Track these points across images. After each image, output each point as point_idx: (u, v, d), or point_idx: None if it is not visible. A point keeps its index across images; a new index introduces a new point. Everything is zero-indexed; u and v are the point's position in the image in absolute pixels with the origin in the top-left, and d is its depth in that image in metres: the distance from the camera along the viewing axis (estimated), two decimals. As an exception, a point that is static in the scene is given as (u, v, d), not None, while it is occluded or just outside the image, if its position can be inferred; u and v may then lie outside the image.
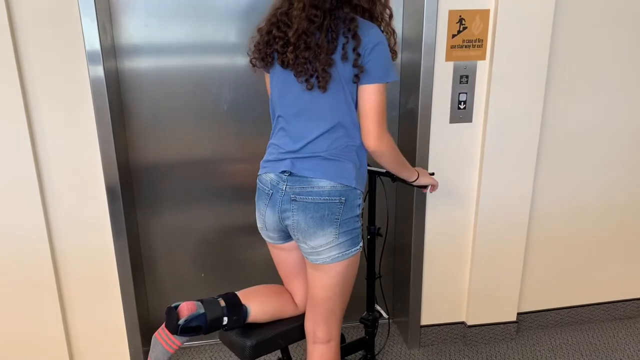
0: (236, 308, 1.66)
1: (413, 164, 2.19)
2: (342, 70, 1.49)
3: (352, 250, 1.61)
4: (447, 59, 2.08)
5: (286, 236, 1.68)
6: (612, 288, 2.66)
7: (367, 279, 2.06)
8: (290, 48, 1.48)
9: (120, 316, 2.21)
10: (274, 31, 1.53)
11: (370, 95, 1.50)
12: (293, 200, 1.56)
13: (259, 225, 1.71)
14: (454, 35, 2.06)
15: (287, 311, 1.79)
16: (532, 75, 2.13)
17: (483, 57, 2.11)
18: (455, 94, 2.13)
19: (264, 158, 1.68)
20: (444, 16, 2.03)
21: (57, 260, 2.10)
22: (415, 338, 2.49)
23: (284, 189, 1.57)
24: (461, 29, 2.05)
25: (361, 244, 1.65)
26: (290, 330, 1.75)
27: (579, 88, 2.28)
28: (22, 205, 1.98)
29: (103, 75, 1.90)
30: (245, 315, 1.67)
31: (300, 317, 1.78)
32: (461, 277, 2.42)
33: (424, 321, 2.48)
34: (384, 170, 1.82)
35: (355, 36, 1.47)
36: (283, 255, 1.76)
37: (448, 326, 2.50)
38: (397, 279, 2.61)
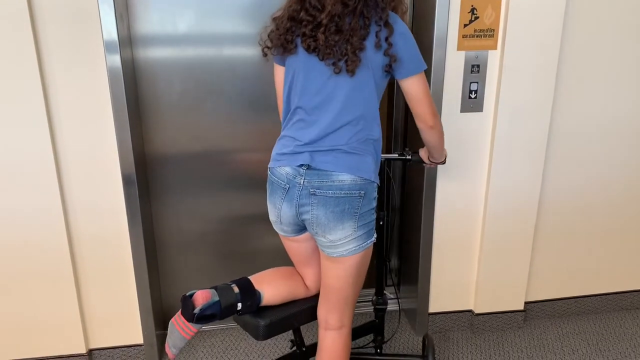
0: (250, 293, 1.68)
1: (423, 153, 2.22)
2: (373, 57, 1.52)
3: (368, 242, 1.63)
4: (459, 48, 2.10)
5: (300, 229, 1.69)
6: (620, 279, 2.68)
7: (377, 263, 2.08)
8: (322, 29, 1.48)
9: (134, 300, 2.26)
10: (302, 15, 1.52)
11: (416, 86, 1.57)
12: (312, 194, 1.56)
13: (272, 218, 1.70)
14: (465, 25, 2.07)
15: (299, 293, 1.82)
16: (543, 66, 2.14)
17: (494, 47, 2.12)
18: (467, 83, 2.15)
19: (276, 150, 1.66)
20: (455, 5, 2.04)
21: (73, 245, 2.14)
22: (423, 325, 2.52)
23: (301, 183, 1.56)
24: (473, 19, 2.07)
25: (375, 236, 1.68)
26: (303, 311, 1.79)
27: (590, 80, 2.28)
28: (40, 192, 2.02)
29: (120, 64, 1.93)
30: (258, 300, 1.70)
31: (313, 299, 1.81)
32: (469, 266, 2.45)
33: (432, 309, 2.51)
34: (396, 155, 1.91)
35: (387, 24, 1.50)
36: (295, 246, 1.78)
37: (456, 314, 2.53)
38: (406, 267, 2.64)
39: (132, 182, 2.08)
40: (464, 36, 2.08)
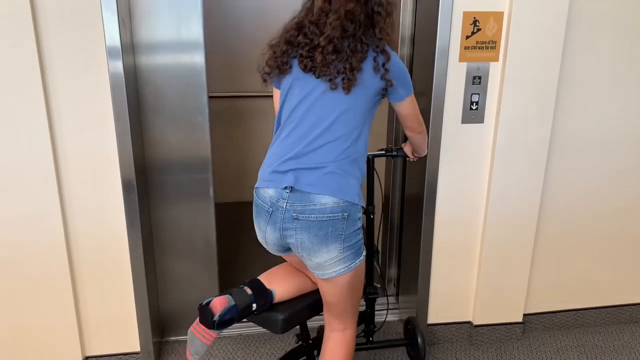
0: (262, 293, 1.73)
1: (424, 163, 2.23)
2: (370, 80, 1.60)
3: (356, 261, 1.65)
4: (461, 59, 2.10)
5: (286, 249, 1.72)
6: (620, 291, 2.67)
7: (366, 256, 2.08)
8: (319, 50, 1.56)
9: (132, 307, 2.24)
10: (299, 38, 1.60)
11: (407, 107, 1.75)
12: (295, 218, 1.57)
13: (259, 238, 1.73)
14: (467, 37, 2.08)
15: (307, 287, 1.85)
16: (545, 77, 2.15)
17: (496, 59, 2.13)
18: (468, 94, 2.15)
19: (263, 168, 1.67)
20: (458, 17, 2.05)
21: (71, 251, 2.13)
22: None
23: (284, 206, 1.58)
24: (475, 31, 2.07)
25: (364, 253, 1.69)
26: (315, 302, 1.84)
27: (591, 91, 2.29)
28: (39, 195, 2.02)
29: (122, 70, 1.93)
30: (271, 298, 1.75)
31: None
32: (469, 276, 2.44)
33: (431, 320, 2.50)
34: (383, 152, 2.11)
35: (384, 52, 1.60)
36: (289, 258, 1.85)
37: (454, 325, 2.52)
38: (405, 276, 2.64)
39: (132, 187, 2.08)
40: (466, 48, 2.09)
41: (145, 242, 2.19)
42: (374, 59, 1.59)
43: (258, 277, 1.78)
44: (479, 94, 2.16)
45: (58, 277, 2.13)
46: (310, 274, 1.79)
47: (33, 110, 1.92)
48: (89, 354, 2.28)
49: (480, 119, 2.20)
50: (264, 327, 1.79)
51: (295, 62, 1.62)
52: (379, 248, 3.00)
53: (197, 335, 1.67)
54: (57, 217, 2.05)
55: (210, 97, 2.19)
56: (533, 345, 2.54)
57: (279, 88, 1.72)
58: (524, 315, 2.57)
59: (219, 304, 1.64)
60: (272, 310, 1.75)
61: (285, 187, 1.57)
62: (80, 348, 2.23)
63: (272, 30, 1.70)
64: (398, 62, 1.65)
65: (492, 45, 2.10)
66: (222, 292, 1.76)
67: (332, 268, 1.62)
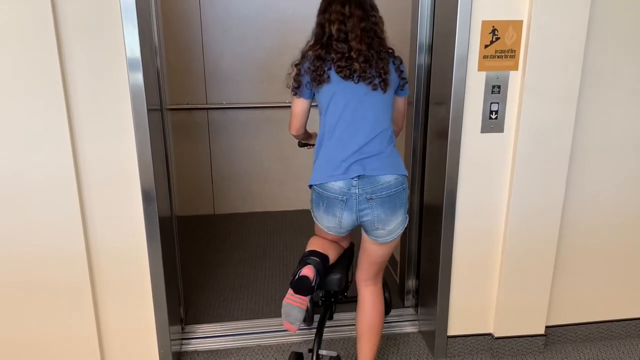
0: (324, 259, 2.06)
1: (443, 173, 2.21)
2: (394, 80, 1.99)
3: (406, 222, 2.03)
4: (480, 68, 2.09)
5: (352, 228, 2.06)
6: (644, 303, 2.62)
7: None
8: (354, 60, 1.91)
9: (151, 317, 2.25)
10: (332, 55, 1.93)
11: (404, 103, 2.15)
12: (369, 199, 1.92)
13: (331, 225, 2.02)
14: (486, 46, 2.07)
15: (340, 252, 2.23)
16: (565, 85, 2.13)
17: (515, 68, 2.11)
18: (487, 104, 2.14)
19: (324, 166, 1.97)
20: (476, 26, 2.04)
21: (92, 261, 2.15)
22: (442, 348, 2.47)
23: (357, 192, 1.92)
24: (494, 40, 2.06)
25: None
26: (348, 263, 2.32)
27: (613, 99, 2.26)
28: (61, 206, 2.04)
29: (142, 81, 1.95)
30: (328, 261, 2.08)
31: (349, 251, 2.33)
32: (489, 287, 2.41)
33: (451, 331, 2.47)
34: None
35: (397, 56, 2.00)
36: (335, 236, 2.16)
37: (475, 337, 2.49)
38: (424, 287, 2.61)
39: (152, 197, 2.09)
40: (485, 57, 2.08)
41: (165, 252, 2.20)
42: (393, 62, 1.98)
43: (314, 249, 2.08)
44: (498, 103, 2.14)
45: (78, 287, 2.14)
46: (343, 243, 2.23)
47: (55, 120, 1.95)
48: (108, 363, 2.29)
49: (500, 128, 2.18)
50: (324, 289, 2.17)
51: (332, 73, 1.93)
52: (398, 258, 2.98)
53: (295, 304, 1.93)
54: (78, 229, 2.07)
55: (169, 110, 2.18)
56: (555, 358, 2.49)
57: (308, 98, 2.03)
58: (546, 327, 2.52)
59: (310, 273, 1.95)
60: (329, 273, 2.11)
61: (353, 177, 1.90)
62: (100, 357, 2.24)
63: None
64: (404, 66, 2.03)
65: (511, 54, 2.09)
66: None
67: (396, 231, 1.99)
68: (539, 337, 2.49)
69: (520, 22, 2.06)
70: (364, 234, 2.06)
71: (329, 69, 1.93)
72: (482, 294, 2.42)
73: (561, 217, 2.32)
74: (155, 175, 2.09)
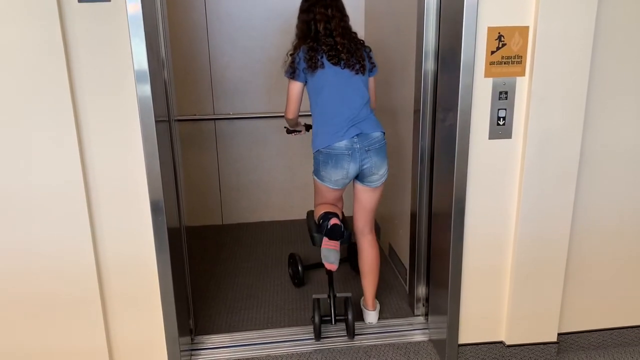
0: (338, 215, 2.59)
1: (451, 180, 2.20)
2: (368, 65, 2.56)
3: (387, 173, 2.58)
4: (486, 75, 2.09)
5: (351, 179, 2.57)
6: (658, 309, 2.58)
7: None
8: (340, 51, 2.47)
9: (161, 329, 2.25)
10: (322, 47, 2.47)
11: (374, 82, 2.66)
12: (367, 150, 2.48)
13: (339, 178, 2.52)
14: (492, 52, 2.06)
15: (340, 212, 2.72)
16: (573, 91, 2.12)
17: (522, 74, 2.10)
18: (495, 110, 2.13)
19: (328, 132, 2.47)
20: (482, 33, 2.04)
21: (101, 273, 2.15)
22: (453, 357, 2.45)
23: (358, 147, 2.46)
24: (500, 46, 2.06)
25: None
26: (345, 221, 2.68)
27: (622, 103, 2.25)
28: (70, 219, 2.05)
29: (150, 93, 1.96)
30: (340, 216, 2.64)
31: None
32: (500, 294, 2.39)
33: (462, 340, 2.44)
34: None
35: (366, 46, 2.59)
36: (336, 194, 2.66)
37: (486, 345, 2.47)
38: (435, 295, 2.59)
39: (160, 209, 2.10)
40: (491, 63, 2.08)
41: (174, 263, 2.20)
42: (365, 51, 2.55)
43: (327, 211, 2.57)
44: (505, 109, 2.14)
45: (88, 299, 2.15)
46: (339, 205, 2.75)
47: (63, 133, 1.97)
48: (118, 376, 2.29)
49: (507, 135, 2.17)
50: (337, 239, 2.53)
51: (325, 61, 2.46)
52: (407, 266, 2.97)
53: (331, 248, 2.51)
54: (87, 240, 2.08)
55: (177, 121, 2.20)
56: (569, 366, 2.47)
57: (302, 81, 2.53)
58: (559, 334, 2.50)
59: (337, 221, 2.49)
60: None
61: (353, 136, 2.45)
62: (110, 370, 2.24)
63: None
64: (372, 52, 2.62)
65: (517, 60, 2.08)
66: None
67: (384, 176, 2.56)
68: (551, 345, 2.47)
69: (527, 28, 2.06)
70: (357, 187, 2.62)
71: (322, 57, 2.46)
72: (492, 301, 2.40)
73: (571, 223, 2.30)
74: (164, 186, 2.09)
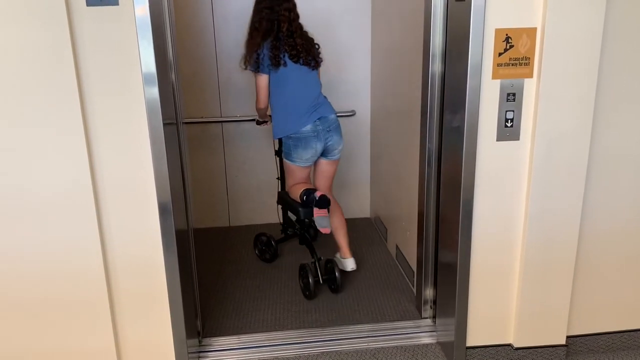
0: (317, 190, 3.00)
1: (459, 182, 2.20)
2: (319, 60, 3.02)
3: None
4: (494, 77, 2.08)
5: (318, 157, 3.02)
6: (668, 312, 2.56)
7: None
8: (300, 51, 2.88)
9: (169, 331, 2.26)
10: (285, 47, 2.86)
11: (319, 74, 3.08)
12: (328, 130, 2.95)
13: (309, 156, 2.97)
14: (500, 54, 2.06)
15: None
16: (581, 93, 2.11)
17: (530, 75, 2.10)
18: (502, 112, 2.12)
19: (292, 119, 2.90)
20: (490, 34, 2.03)
21: (109, 274, 2.16)
22: None
23: (321, 128, 2.92)
24: (508, 47, 2.05)
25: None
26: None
27: (631, 105, 2.23)
28: (78, 221, 2.06)
29: (158, 96, 1.97)
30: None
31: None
32: (508, 298, 2.38)
33: (470, 342, 2.43)
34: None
35: (316, 44, 3.01)
36: (306, 171, 3.10)
37: (495, 348, 2.45)
38: (442, 297, 2.58)
39: (168, 211, 2.11)
40: (499, 64, 2.07)
41: (182, 265, 2.21)
42: (317, 49, 2.99)
43: (305, 188, 2.95)
44: (513, 111, 2.13)
45: (96, 301, 2.16)
46: (309, 183, 3.16)
47: (72, 136, 1.98)
48: (126, 377, 2.29)
49: (515, 136, 2.16)
50: (325, 207, 2.90)
51: (287, 59, 2.86)
52: (414, 268, 2.96)
53: (322, 215, 2.90)
54: (95, 242, 2.09)
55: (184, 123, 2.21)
56: (578, 369, 2.45)
57: (267, 74, 2.89)
58: (568, 337, 2.48)
59: (322, 193, 2.89)
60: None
61: (315, 120, 2.90)
62: (118, 371, 2.25)
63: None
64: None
65: (525, 62, 2.08)
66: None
67: (341, 151, 3.07)
68: (560, 348, 2.45)
69: (534, 29, 2.05)
70: (321, 162, 3.06)
71: (284, 56, 2.85)
72: (501, 304, 2.39)
73: (580, 225, 2.29)
74: (172, 189, 2.10)
